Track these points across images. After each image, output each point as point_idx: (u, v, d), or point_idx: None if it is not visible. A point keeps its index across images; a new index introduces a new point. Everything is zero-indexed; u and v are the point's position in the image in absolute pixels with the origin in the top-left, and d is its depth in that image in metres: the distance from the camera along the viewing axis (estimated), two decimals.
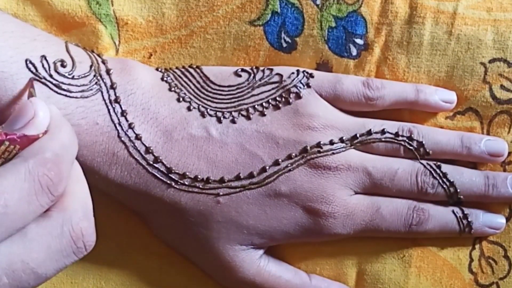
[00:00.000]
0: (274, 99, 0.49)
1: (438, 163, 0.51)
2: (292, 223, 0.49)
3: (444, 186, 0.50)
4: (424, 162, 0.50)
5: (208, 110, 0.49)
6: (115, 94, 0.47)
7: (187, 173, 0.47)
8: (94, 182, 0.41)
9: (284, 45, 0.52)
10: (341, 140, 0.49)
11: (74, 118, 0.44)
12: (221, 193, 0.48)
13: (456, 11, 0.51)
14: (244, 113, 0.49)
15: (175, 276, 0.52)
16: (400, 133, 0.50)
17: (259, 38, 0.51)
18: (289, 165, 0.48)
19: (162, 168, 0.47)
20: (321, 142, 0.49)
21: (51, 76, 0.44)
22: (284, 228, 0.49)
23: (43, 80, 0.44)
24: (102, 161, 0.46)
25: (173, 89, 0.49)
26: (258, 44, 0.52)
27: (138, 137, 0.47)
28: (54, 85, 0.44)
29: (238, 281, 0.50)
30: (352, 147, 0.50)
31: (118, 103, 0.46)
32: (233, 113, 0.49)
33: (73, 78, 0.45)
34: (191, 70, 0.50)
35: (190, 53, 0.52)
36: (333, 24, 0.51)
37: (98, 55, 0.48)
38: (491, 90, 0.51)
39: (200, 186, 0.48)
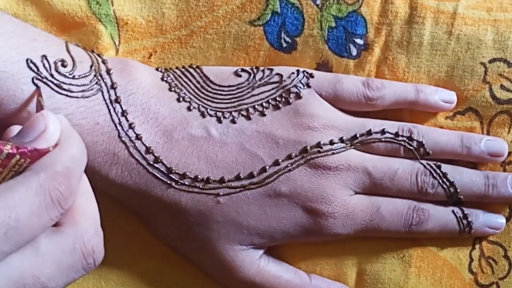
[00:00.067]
0: (274, 99, 0.49)
1: (438, 163, 0.51)
2: (292, 223, 0.49)
3: (444, 186, 0.50)
4: (424, 162, 0.50)
5: (208, 110, 0.49)
6: (115, 94, 0.47)
7: (187, 173, 0.47)
8: (94, 183, 0.41)
9: (284, 45, 0.52)
10: (341, 140, 0.49)
11: (75, 118, 0.44)
12: (221, 193, 0.48)
13: (456, 11, 0.51)
14: (244, 113, 0.49)
15: (175, 276, 0.52)
16: (400, 133, 0.50)
17: (259, 38, 0.51)
18: (289, 165, 0.48)
19: (163, 168, 0.47)
20: (321, 142, 0.49)
21: (52, 76, 0.44)
22: (284, 228, 0.49)
23: (44, 80, 0.44)
24: (102, 161, 0.46)
25: (173, 89, 0.49)
26: (258, 44, 0.52)
27: (138, 137, 0.47)
28: (55, 85, 0.44)
29: (238, 281, 0.50)
30: (352, 147, 0.50)
31: (119, 103, 0.46)
32: (233, 113, 0.49)
33: (73, 78, 0.45)
34: (191, 70, 0.50)
35: (190, 53, 0.52)
36: (333, 24, 0.51)
37: (98, 55, 0.48)
38: (491, 90, 0.51)
39: (200, 186, 0.48)
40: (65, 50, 0.46)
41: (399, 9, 0.51)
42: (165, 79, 0.49)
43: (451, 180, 0.50)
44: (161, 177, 0.47)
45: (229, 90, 0.50)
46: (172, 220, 0.49)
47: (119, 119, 0.46)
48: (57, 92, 0.44)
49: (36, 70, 0.44)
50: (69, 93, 0.45)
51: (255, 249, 0.50)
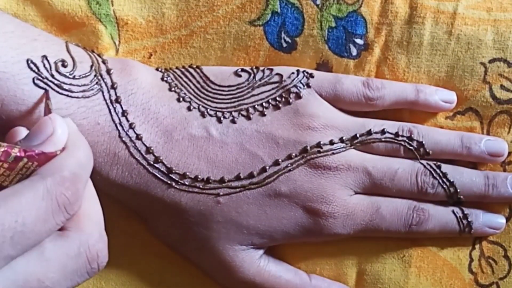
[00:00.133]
0: (274, 99, 0.49)
1: (438, 163, 0.51)
2: (292, 223, 0.49)
3: (444, 186, 0.50)
4: (424, 162, 0.50)
5: (208, 110, 0.49)
6: (115, 94, 0.47)
7: (188, 173, 0.47)
8: (95, 183, 0.41)
9: (284, 45, 0.52)
10: (341, 140, 0.49)
11: (75, 119, 0.44)
12: (221, 193, 0.48)
13: (456, 11, 0.51)
14: (244, 113, 0.49)
15: (175, 276, 0.52)
16: (400, 133, 0.50)
17: (259, 38, 0.51)
18: (289, 165, 0.48)
19: (163, 168, 0.47)
20: (321, 142, 0.49)
21: (52, 76, 0.44)
22: (284, 228, 0.49)
23: (45, 80, 0.44)
24: (103, 162, 0.46)
25: (173, 89, 0.49)
26: (258, 44, 0.51)
27: (138, 137, 0.47)
28: (56, 85, 0.44)
29: (238, 281, 0.50)
30: (352, 147, 0.50)
31: (119, 103, 0.46)
32: (233, 113, 0.49)
33: (74, 78, 0.45)
34: (191, 70, 0.50)
35: (190, 53, 0.52)
36: (333, 24, 0.51)
37: (98, 55, 0.48)
38: (491, 90, 0.51)
39: (200, 186, 0.48)
40: (65, 50, 0.46)
41: (399, 9, 0.51)
42: (165, 79, 0.49)
43: (451, 180, 0.50)
44: (161, 177, 0.47)
45: (229, 90, 0.50)
46: (172, 220, 0.49)
47: (119, 119, 0.46)
48: (58, 92, 0.44)
49: (36, 70, 0.44)
50: (69, 93, 0.45)
51: (255, 249, 0.50)
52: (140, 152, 0.47)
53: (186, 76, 0.50)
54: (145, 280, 0.52)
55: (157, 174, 0.47)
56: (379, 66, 0.52)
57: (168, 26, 0.51)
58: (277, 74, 0.50)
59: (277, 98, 0.49)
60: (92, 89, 0.46)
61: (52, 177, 0.36)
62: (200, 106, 0.49)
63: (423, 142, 0.50)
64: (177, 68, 0.51)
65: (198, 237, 0.49)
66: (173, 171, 0.47)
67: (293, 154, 0.48)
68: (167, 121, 0.48)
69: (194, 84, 0.50)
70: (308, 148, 0.48)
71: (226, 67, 0.51)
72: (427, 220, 0.50)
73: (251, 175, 0.48)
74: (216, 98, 0.49)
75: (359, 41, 0.52)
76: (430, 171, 0.50)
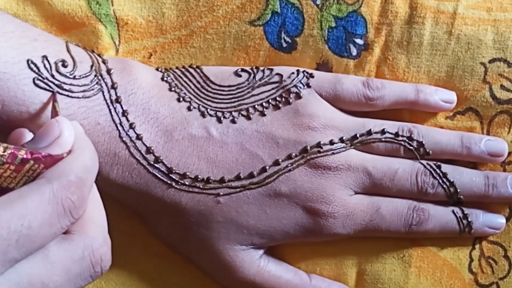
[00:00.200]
0: (274, 99, 0.49)
1: (438, 163, 0.51)
2: (292, 223, 0.49)
3: (444, 186, 0.50)
4: (424, 162, 0.50)
5: (208, 110, 0.49)
6: (116, 94, 0.47)
7: (188, 173, 0.47)
8: (95, 183, 0.41)
9: (284, 45, 0.52)
10: (341, 140, 0.49)
11: (76, 119, 0.44)
12: (221, 193, 0.48)
13: (456, 11, 0.51)
14: (244, 113, 0.49)
15: (175, 276, 0.52)
16: (400, 133, 0.50)
17: (259, 38, 0.51)
18: (289, 165, 0.48)
19: (163, 168, 0.47)
20: (321, 142, 0.49)
21: (53, 76, 0.44)
22: (284, 228, 0.49)
23: (45, 81, 0.44)
24: (103, 162, 0.46)
25: (173, 89, 0.49)
26: (258, 44, 0.51)
27: (139, 137, 0.47)
28: (56, 85, 0.44)
29: (238, 281, 0.50)
30: (352, 147, 0.50)
31: (119, 103, 0.46)
32: (233, 113, 0.49)
33: (74, 78, 0.45)
34: (191, 70, 0.50)
35: (190, 53, 0.52)
36: (333, 24, 0.51)
37: (99, 55, 0.48)
38: (491, 90, 0.51)
39: (201, 186, 0.48)
40: (65, 50, 0.46)
41: (399, 9, 0.51)
42: (165, 79, 0.49)
43: (451, 180, 0.50)
44: (161, 177, 0.47)
45: (229, 90, 0.50)
46: (172, 220, 0.49)
47: (119, 119, 0.46)
48: (58, 92, 0.44)
49: (37, 70, 0.44)
50: (70, 94, 0.45)
51: (255, 249, 0.50)
52: (141, 152, 0.47)
53: (186, 76, 0.50)
54: (145, 280, 0.52)
55: (157, 174, 0.47)
56: (379, 66, 0.52)
57: (168, 26, 0.51)
58: (277, 74, 0.50)
59: (277, 98, 0.49)
60: (93, 89, 0.46)
61: (58, 180, 0.36)
62: (200, 106, 0.49)
63: (423, 142, 0.50)
64: (177, 68, 0.51)
65: (198, 237, 0.49)
66: (173, 171, 0.47)
67: (293, 154, 0.48)
68: (167, 121, 0.48)
69: (194, 84, 0.50)
70: (308, 148, 0.48)
71: (226, 67, 0.51)
72: (427, 220, 0.50)
73: (251, 175, 0.48)
74: (216, 98, 0.49)
75: (359, 41, 0.52)
76: (430, 171, 0.50)
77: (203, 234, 0.48)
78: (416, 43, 0.51)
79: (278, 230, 0.49)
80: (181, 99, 0.49)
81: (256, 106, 0.49)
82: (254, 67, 0.51)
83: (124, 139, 0.46)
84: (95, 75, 0.46)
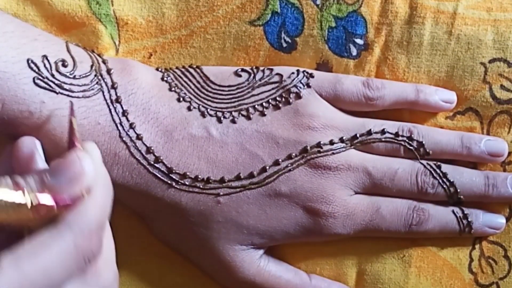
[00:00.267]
0: (274, 99, 0.49)
1: (438, 163, 0.51)
2: (292, 223, 0.49)
3: (444, 186, 0.50)
4: (424, 162, 0.50)
5: (208, 110, 0.49)
6: (116, 94, 0.47)
7: (188, 173, 0.47)
8: None
9: (284, 45, 0.52)
10: (341, 140, 0.49)
11: (76, 118, 0.44)
12: (221, 193, 0.48)
13: (456, 11, 0.51)
14: (244, 113, 0.49)
15: (175, 276, 0.52)
16: (400, 133, 0.50)
17: (259, 38, 0.51)
18: (289, 165, 0.48)
19: (163, 168, 0.47)
20: (321, 142, 0.49)
21: (53, 76, 0.44)
22: (284, 228, 0.49)
23: (45, 80, 0.44)
24: (104, 162, 0.46)
25: (173, 89, 0.49)
26: (258, 44, 0.51)
27: (139, 137, 0.47)
28: (56, 85, 0.44)
29: (238, 281, 0.50)
30: (352, 147, 0.50)
31: (119, 103, 0.46)
32: (233, 113, 0.49)
33: (74, 78, 0.45)
34: (191, 70, 0.50)
35: (190, 53, 0.52)
36: (333, 24, 0.51)
37: (99, 55, 0.48)
38: (491, 90, 0.51)
39: (201, 186, 0.48)
40: (65, 50, 0.46)
41: (399, 9, 0.51)
42: (165, 79, 0.49)
43: (451, 180, 0.50)
44: (161, 177, 0.47)
45: (229, 90, 0.50)
46: (172, 220, 0.49)
47: (119, 119, 0.46)
48: (58, 92, 0.44)
49: (37, 70, 0.44)
50: (70, 93, 0.45)
51: (255, 249, 0.50)
52: (141, 152, 0.47)
53: (186, 76, 0.50)
54: (145, 280, 0.52)
55: (157, 174, 0.47)
56: (379, 66, 0.52)
57: (168, 26, 0.51)
58: (277, 74, 0.50)
59: (277, 98, 0.49)
60: (93, 89, 0.46)
61: (80, 231, 0.36)
62: (200, 106, 0.49)
63: (423, 142, 0.50)
64: (177, 68, 0.51)
65: (198, 237, 0.49)
66: (174, 171, 0.47)
67: (293, 154, 0.48)
68: (167, 121, 0.48)
69: (194, 84, 0.50)
70: (308, 148, 0.48)
71: (226, 67, 0.51)
72: (427, 220, 0.50)
73: (251, 175, 0.48)
74: (216, 98, 0.49)
75: (359, 41, 0.52)
76: (430, 171, 0.50)
77: (203, 234, 0.48)
78: (416, 43, 0.51)
79: (278, 230, 0.49)
80: (181, 99, 0.49)
81: (256, 106, 0.49)
82: (254, 67, 0.51)
83: (124, 139, 0.46)
84: (95, 75, 0.46)
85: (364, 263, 0.52)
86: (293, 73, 0.50)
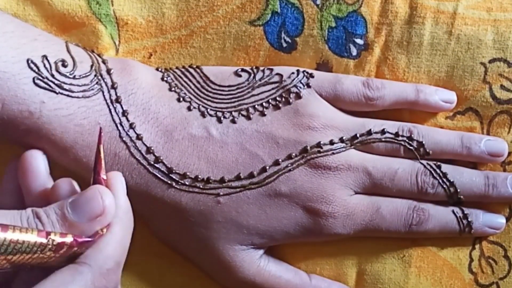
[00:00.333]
0: (274, 99, 0.49)
1: (438, 163, 0.51)
2: (292, 223, 0.49)
3: (444, 186, 0.50)
4: (424, 162, 0.50)
5: (208, 110, 0.49)
6: (116, 94, 0.47)
7: (188, 173, 0.47)
8: None
9: (284, 45, 0.52)
10: (341, 140, 0.49)
11: (76, 118, 0.45)
12: (221, 193, 0.48)
13: (456, 11, 0.51)
14: (244, 113, 0.49)
15: (175, 276, 0.52)
16: (400, 133, 0.50)
17: (259, 38, 0.51)
18: (289, 165, 0.48)
19: (163, 168, 0.47)
20: (321, 142, 0.49)
21: (53, 76, 0.44)
22: (284, 228, 0.49)
23: (45, 80, 0.44)
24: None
25: (173, 89, 0.49)
26: (258, 44, 0.51)
27: (139, 137, 0.47)
28: (56, 85, 0.44)
29: (238, 281, 0.50)
30: (352, 147, 0.50)
31: (119, 103, 0.47)
32: (233, 113, 0.49)
33: (74, 78, 0.45)
34: (191, 70, 0.50)
35: (190, 53, 0.52)
36: (333, 24, 0.51)
37: (98, 55, 0.48)
38: (491, 90, 0.51)
39: (201, 186, 0.48)
40: (65, 50, 0.46)
41: (399, 9, 0.51)
42: (165, 79, 0.49)
43: (451, 180, 0.50)
44: (161, 177, 0.47)
45: (229, 90, 0.50)
46: (172, 220, 0.49)
47: (119, 119, 0.46)
48: (58, 92, 0.44)
49: (36, 70, 0.44)
50: (70, 93, 0.45)
51: (255, 249, 0.50)
52: (141, 152, 0.47)
53: (186, 76, 0.50)
54: (145, 280, 0.52)
55: (157, 174, 0.47)
56: (379, 66, 0.52)
57: (168, 26, 0.51)
58: (277, 74, 0.50)
59: (277, 98, 0.49)
60: (93, 89, 0.46)
61: (99, 269, 0.38)
62: (200, 106, 0.49)
63: (423, 142, 0.50)
64: (177, 68, 0.51)
65: (198, 237, 0.49)
66: (174, 171, 0.47)
67: (293, 154, 0.48)
68: (167, 121, 0.48)
69: (194, 84, 0.50)
70: (308, 148, 0.48)
71: (226, 67, 0.51)
72: (427, 220, 0.50)
73: (251, 175, 0.48)
74: (216, 98, 0.49)
75: (359, 41, 0.52)
76: (430, 171, 0.50)
77: (203, 234, 0.48)
78: (416, 43, 0.51)
79: (278, 230, 0.49)
80: (181, 99, 0.49)
81: (256, 106, 0.49)
82: (254, 67, 0.51)
83: (124, 139, 0.46)
84: (95, 75, 0.46)
85: (364, 263, 0.52)
86: (293, 73, 0.50)
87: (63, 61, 0.45)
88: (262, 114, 0.49)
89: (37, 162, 0.43)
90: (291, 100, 0.49)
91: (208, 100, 0.49)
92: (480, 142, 0.51)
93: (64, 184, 0.42)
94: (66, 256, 0.38)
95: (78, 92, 0.45)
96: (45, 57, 0.45)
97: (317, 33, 0.51)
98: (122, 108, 0.47)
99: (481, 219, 0.51)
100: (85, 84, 0.46)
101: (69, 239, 0.37)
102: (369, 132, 0.50)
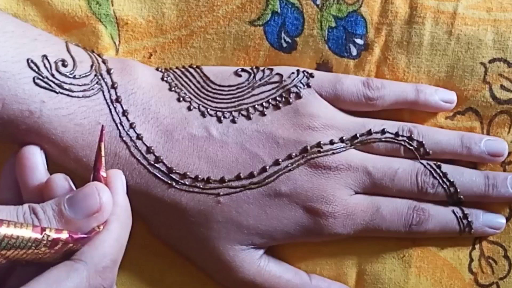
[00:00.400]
0: (274, 99, 0.49)
1: (438, 163, 0.51)
2: (292, 223, 0.49)
3: (444, 186, 0.50)
4: (424, 162, 0.50)
5: (208, 110, 0.49)
6: (116, 94, 0.47)
7: (188, 173, 0.47)
8: None
9: (284, 45, 0.52)
10: (341, 140, 0.49)
11: (76, 118, 0.45)
12: (221, 193, 0.48)
13: (456, 11, 0.51)
14: (244, 113, 0.49)
15: (175, 276, 0.52)
16: (400, 133, 0.50)
17: (259, 38, 0.51)
18: (289, 165, 0.48)
19: (163, 168, 0.47)
20: (321, 142, 0.49)
21: (53, 75, 0.44)
22: (285, 228, 0.49)
23: (45, 80, 0.44)
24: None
25: (173, 89, 0.49)
26: (258, 44, 0.52)
27: (139, 137, 0.47)
28: (56, 84, 0.44)
29: (238, 281, 0.50)
30: (352, 147, 0.50)
31: (119, 102, 0.47)
32: (233, 113, 0.49)
33: (74, 77, 0.45)
34: (191, 70, 0.50)
35: (190, 53, 0.52)
36: (333, 24, 0.51)
37: (98, 55, 0.48)
38: (491, 90, 0.51)
39: (201, 186, 0.48)
40: (65, 50, 0.46)
41: (399, 9, 0.51)
42: (165, 79, 0.49)
43: (451, 180, 0.50)
44: (161, 177, 0.47)
45: (229, 90, 0.50)
46: (172, 220, 0.49)
47: (120, 119, 0.46)
48: (58, 92, 0.44)
49: (37, 70, 0.44)
50: (70, 93, 0.45)
51: (255, 249, 0.50)
52: (141, 152, 0.47)
53: (186, 76, 0.50)
54: (145, 280, 0.52)
55: (157, 174, 0.47)
56: (379, 66, 0.52)
57: (168, 26, 0.51)
58: (277, 74, 0.50)
59: (277, 98, 0.49)
60: (93, 89, 0.46)
61: (95, 267, 0.38)
62: (200, 106, 0.49)
63: (423, 142, 0.50)
64: (177, 68, 0.51)
65: (198, 237, 0.49)
66: (174, 171, 0.47)
67: (293, 154, 0.48)
68: (167, 121, 0.48)
69: (194, 84, 0.50)
70: (308, 148, 0.48)
71: (226, 67, 0.51)
72: (427, 220, 0.50)
73: (251, 175, 0.48)
74: (216, 98, 0.49)
75: (359, 41, 0.52)
76: (430, 171, 0.50)
77: (203, 234, 0.48)
78: (416, 43, 0.51)
79: (278, 230, 0.49)
80: (181, 99, 0.49)
81: (256, 106, 0.49)
82: (254, 67, 0.51)
83: (124, 139, 0.46)
84: (95, 75, 0.47)
85: (364, 263, 0.52)
86: (293, 73, 0.50)
87: (63, 61, 0.45)
88: (262, 114, 0.49)
89: (35, 158, 0.43)
90: (291, 100, 0.49)
91: (208, 100, 0.49)
92: (480, 142, 0.51)
93: (58, 180, 0.42)
94: (61, 252, 0.38)
95: (78, 91, 0.45)
96: (45, 56, 0.45)
97: (317, 33, 0.51)
98: (122, 108, 0.47)
99: (481, 219, 0.51)
100: (85, 84, 0.46)
101: (64, 235, 0.37)
102: (369, 132, 0.50)
